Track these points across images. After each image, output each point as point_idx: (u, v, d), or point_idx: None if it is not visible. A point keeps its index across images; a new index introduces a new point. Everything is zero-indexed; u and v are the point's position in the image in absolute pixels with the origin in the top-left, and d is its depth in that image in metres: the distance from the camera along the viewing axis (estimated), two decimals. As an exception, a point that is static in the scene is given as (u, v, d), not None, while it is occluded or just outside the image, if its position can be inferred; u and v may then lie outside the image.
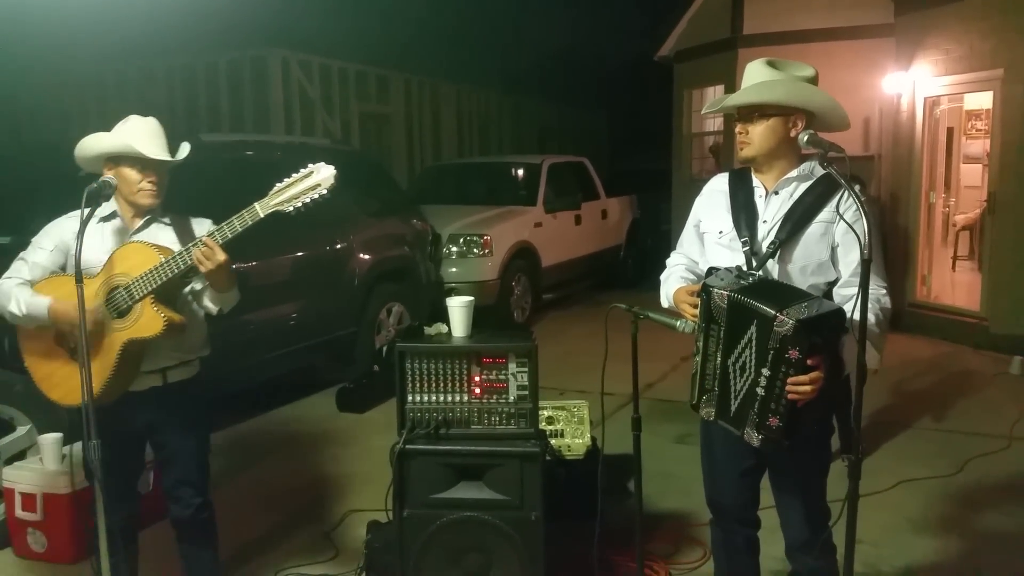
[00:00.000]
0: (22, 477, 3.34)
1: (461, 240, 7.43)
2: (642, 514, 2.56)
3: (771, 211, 2.23)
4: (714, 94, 9.40)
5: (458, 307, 2.80)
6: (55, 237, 2.51)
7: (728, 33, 9.04)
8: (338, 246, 5.74)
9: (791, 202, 2.21)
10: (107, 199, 2.42)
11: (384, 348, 5.83)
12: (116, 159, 2.44)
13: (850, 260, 2.16)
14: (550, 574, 2.69)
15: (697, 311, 2.13)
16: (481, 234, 7.45)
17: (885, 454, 4.47)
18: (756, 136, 2.19)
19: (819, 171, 2.20)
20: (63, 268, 2.50)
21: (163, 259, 2.34)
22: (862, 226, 1.99)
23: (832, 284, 2.22)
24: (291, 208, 2.31)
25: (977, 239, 8.81)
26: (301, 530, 3.67)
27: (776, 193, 2.23)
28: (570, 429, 3.85)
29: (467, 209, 7.92)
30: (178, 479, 2.62)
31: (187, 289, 2.51)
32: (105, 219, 2.51)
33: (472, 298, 2.84)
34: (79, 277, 2.14)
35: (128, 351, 2.37)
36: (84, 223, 2.20)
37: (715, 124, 10.25)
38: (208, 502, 2.69)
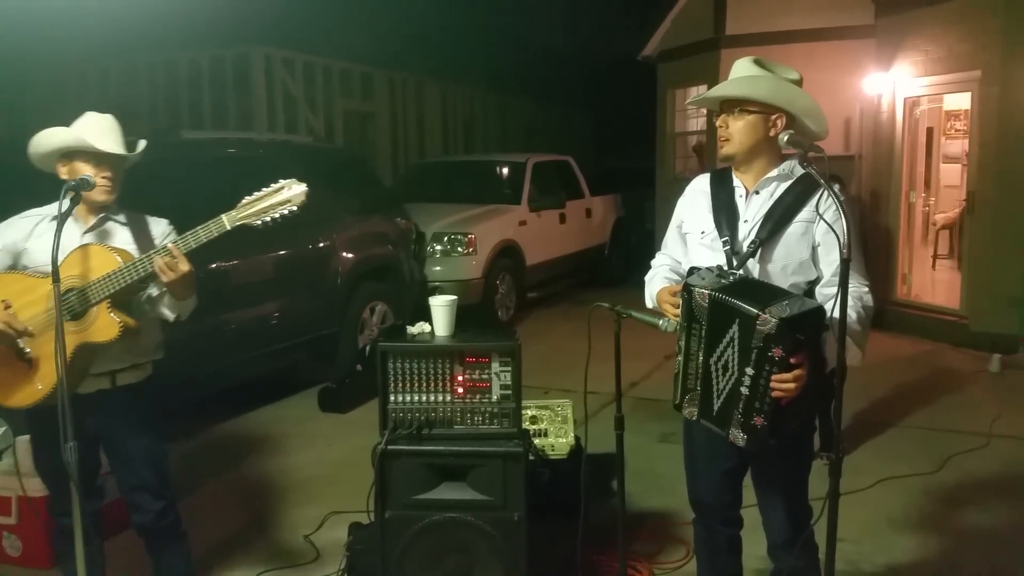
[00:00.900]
0: (-3, 480, 3.28)
1: (445, 239, 7.41)
2: (625, 513, 2.57)
3: (752, 211, 2.23)
4: (697, 93, 9.41)
5: (440, 306, 2.79)
6: (5, 238, 2.46)
7: (711, 33, 9.06)
8: (321, 244, 5.70)
9: (771, 202, 2.21)
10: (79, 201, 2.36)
11: (367, 347, 5.81)
12: (70, 155, 2.40)
13: (831, 259, 2.16)
14: (533, 575, 2.68)
15: (679, 311, 2.13)
16: (465, 233, 7.44)
17: (865, 452, 4.50)
18: (736, 132, 2.19)
19: (799, 171, 2.21)
20: (13, 268, 2.45)
21: (123, 263, 2.29)
22: (842, 226, 1.99)
23: (813, 283, 2.22)
24: (259, 222, 2.30)
25: (957, 238, 8.90)
26: (282, 532, 3.64)
27: (757, 193, 2.24)
28: (554, 428, 3.85)
29: (451, 207, 7.90)
30: (133, 485, 2.56)
31: (144, 295, 2.46)
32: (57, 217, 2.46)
33: (455, 297, 2.83)
34: (56, 276, 2.09)
35: (79, 355, 2.32)
36: (63, 219, 2.16)
37: (698, 123, 10.29)
38: (170, 506, 2.61)
